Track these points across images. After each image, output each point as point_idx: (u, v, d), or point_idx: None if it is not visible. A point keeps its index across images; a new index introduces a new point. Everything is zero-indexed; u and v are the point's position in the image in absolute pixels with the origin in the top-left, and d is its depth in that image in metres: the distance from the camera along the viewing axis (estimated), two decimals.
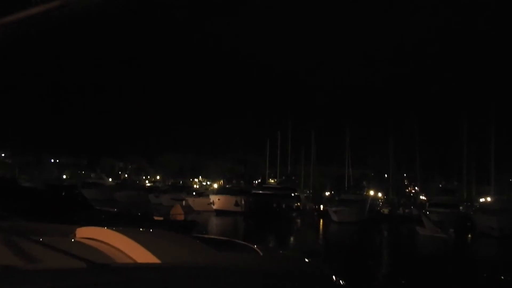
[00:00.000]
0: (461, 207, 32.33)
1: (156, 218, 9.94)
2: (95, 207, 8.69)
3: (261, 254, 1.96)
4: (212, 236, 2.86)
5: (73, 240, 1.73)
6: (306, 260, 2.11)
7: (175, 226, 9.02)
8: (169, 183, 58.92)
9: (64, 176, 59.41)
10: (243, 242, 2.25)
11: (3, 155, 61.38)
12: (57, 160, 66.59)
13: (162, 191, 46.48)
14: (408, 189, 55.84)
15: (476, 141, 39.10)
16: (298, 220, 32.25)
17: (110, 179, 62.60)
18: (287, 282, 1.70)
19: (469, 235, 25.19)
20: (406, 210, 37.97)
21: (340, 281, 1.96)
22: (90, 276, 1.10)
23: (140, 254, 1.46)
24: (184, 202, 28.78)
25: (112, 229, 1.72)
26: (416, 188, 53.04)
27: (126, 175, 72.09)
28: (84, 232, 1.79)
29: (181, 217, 12.89)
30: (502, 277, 11.78)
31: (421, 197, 46.36)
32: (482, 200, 37.23)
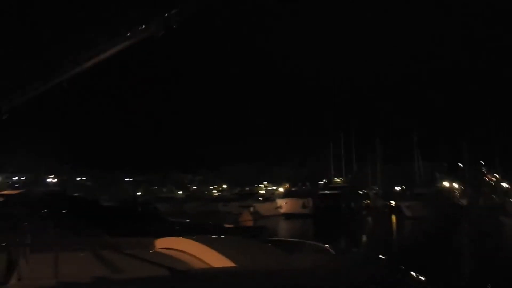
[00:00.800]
0: None
1: (226, 225, 10.17)
2: (169, 219, 9.08)
3: (333, 253, 1.95)
4: (283, 239, 2.88)
5: (153, 250, 1.85)
6: (379, 257, 2.06)
7: (245, 232, 9.17)
8: (236, 191, 60.01)
9: (139, 193, 62.96)
10: (314, 243, 2.24)
11: (83, 178, 66.61)
12: (132, 179, 70.90)
13: (230, 199, 47.42)
14: (487, 177, 51.95)
15: None
16: (369, 218, 31.24)
17: (181, 192, 65.19)
18: (361, 280, 1.67)
19: None
20: (487, 200, 35.26)
21: (419, 277, 1.88)
22: (174, 283, 1.17)
23: (216, 260, 1.52)
24: (252, 209, 29.16)
25: (188, 238, 1.81)
26: (496, 175, 49.05)
27: (194, 187, 74.65)
28: (162, 243, 1.90)
29: (250, 223, 13.08)
30: None
31: (503, 184, 42.87)
32: None
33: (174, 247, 1.78)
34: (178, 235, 1.92)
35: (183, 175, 76.45)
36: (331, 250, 1.97)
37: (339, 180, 50.90)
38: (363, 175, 48.85)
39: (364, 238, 20.35)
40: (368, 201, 37.85)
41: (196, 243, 1.71)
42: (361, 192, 38.99)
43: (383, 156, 46.62)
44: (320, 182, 58.17)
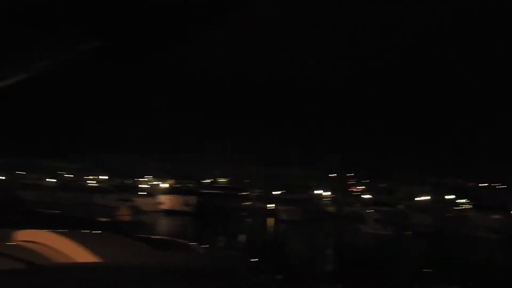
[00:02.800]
0: (400, 206, 34.36)
1: (100, 219, 9.72)
2: (36, 210, 8.34)
3: (200, 252, 2.12)
4: (155, 236, 2.97)
5: (12, 243, 1.75)
6: (238, 255, 2.31)
7: (120, 228, 8.89)
8: (115, 183, 56.92)
9: (1, 178, 55.50)
10: (184, 241, 2.39)
11: None
12: None
13: (108, 191, 44.77)
14: (354, 188, 58.12)
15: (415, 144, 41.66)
16: (248, 220, 32.59)
17: (53, 180, 59.28)
18: (220, 277, 1.88)
19: (406, 232, 26.87)
20: (351, 209, 39.63)
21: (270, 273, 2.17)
22: (30, 277, 1.15)
23: (81, 255, 1.54)
24: (131, 203, 28.07)
25: (52, 231, 1.75)
26: (360, 187, 55.52)
27: (68, 175, 68.61)
28: (23, 235, 1.80)
29: (127, 218, 12.67)
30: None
31: (365, 196, 48.56)
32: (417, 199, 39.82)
33: (35, 240, 1.70)
34: (44, 228, 1.86)
35: (56, 161, 69.64)
36: (197, 248, 2.14)
37: (224, 180, 51.95)
38: (247, 176, 50.69)
39: (240, 237, 21.19)
40: (249, 203, 39.38)
41: (60, 236, 1.67)
42: (244, 193, 40.37)
43: (267, 159, 49.05)
44: (206, 181, 58.61)
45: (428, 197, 37.39)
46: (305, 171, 52.77)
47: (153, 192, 43.70)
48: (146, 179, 70.57)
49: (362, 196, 49.32)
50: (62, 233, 1.72)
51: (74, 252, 1.54)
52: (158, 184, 60.61)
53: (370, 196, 46.05)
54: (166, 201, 33.59)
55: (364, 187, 54.45)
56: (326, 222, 31.14)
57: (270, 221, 31.90)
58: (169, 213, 31.62)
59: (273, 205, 37.90)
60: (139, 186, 59.12)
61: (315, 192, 47.47)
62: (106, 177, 66.31)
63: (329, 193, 49.13)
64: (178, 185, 49.98)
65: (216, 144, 52.57)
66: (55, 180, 59.42)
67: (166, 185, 55.67)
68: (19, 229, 1.88)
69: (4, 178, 54.76)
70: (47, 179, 58.45)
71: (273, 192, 49.97)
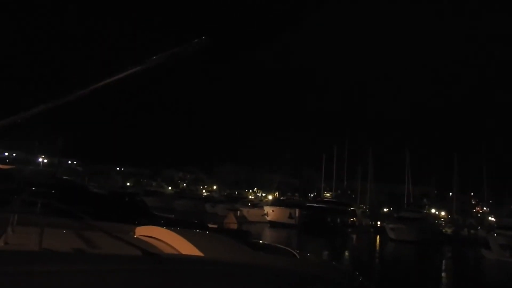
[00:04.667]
0: None
1: (210, 226, 10.25)
2: (154, 213, 9.17)
3: (298, 257, 2.08)
4: (259, 241, 3.02)
5: (132, 235, 1.99)
6: (341, 267, 2.20)
7: (227, 235, 9.25)
8: (225, 194, 60.05)
9: (128, 184, 62.78)
10: (285, 247, 2.38)
11: (74, 163, 66.34)
12: (122, 169, 70.65)
13: (218, 201, 47.44)
14: (475, 209, 52.37)
15: None
16: (353, 236, 31.39)
17: (170, 188, 65.08)
18: (318, 284, 1.81)
19: None
20: (472, 231, 35.55)
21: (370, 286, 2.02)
22: (143, 263, 1.31)
23: (187, 249, 1.67)
24: (238, 212, 29.23)
25: (166, 228, 1.95)
26: (484, 208, 49.50)
27: (184, 185, 74.56)
28: (142, 230, 2.04)
29: (234, 226, 13.15)
30: None
31: (489, 218, 43.20)
32: None
33: (151, 235, 1.92)
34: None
35: (174, 171, 76.34)
36: (296, 254, 2.11)
37: (328, 195, 51.09)
38: (353, 191, 49.11)
39: (345, 253, 20.48)
40: (355, 219, 38.02)
41: (171, 232, 1.85)
42: (349, 209, 39.15)
43: (375, 175, 46.92)
44: (310, 194, 58.39)
45: None
46: (418, 188, 49.12)
47: (259, 203, 45.04)
48: (253, 191, 73.20)
49: (485, 217, 43.95)
50: (173, 230, 1.88)
51: (182, 246, 1.68)
52: (265, 196, 62.22)
53: (494, 218, 40.82)
54: (271, 213, 34.21)
55: (487, 208, 48.38)
56: (443, 245, 28.36)
57: (378, 239, 30.23)
58: (273, 224, 32.11)
59: (381, 222, 35.99)
60: (247, 197, 61.57)
61: (431, 210, 43.74)
62: (217, 187, 70.53)
63: (446, 212, 44.88)
64: (283, 198, 50.66)
65: (321, 159, 52.07)
66: (174, 189, 65.22)
67: (272, 197, 56.82)
68: (139, 226, 2.11)
69: (129, 184, 61.90)
70: (167, 187, 64.42)
71: (381, 209, 47.55)
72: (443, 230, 36.56)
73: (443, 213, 45.65)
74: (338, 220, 34.54)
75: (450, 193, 48.54)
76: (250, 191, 73.13)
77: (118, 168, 70.66)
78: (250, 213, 34.98)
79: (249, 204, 43.70)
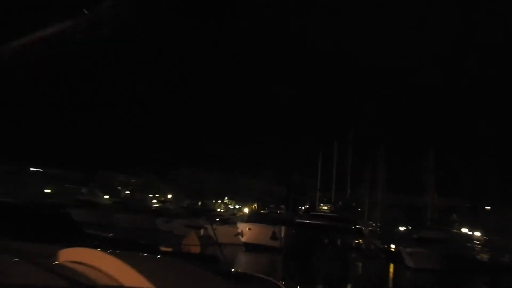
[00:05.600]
0: None
1: (163, 248, 10.19)
2: (85, 231, 9.04)
3: None
4: (230, 269, 3.01)
5: (55, 261, 1.95)
6: None
7: (187, 260, 9.21)
8: (184, 205, 59.85)
9: (48, 191, 61.70)
10: (266, 277, 2.38)
11: None
12: (40, 170, 69.19)
13: (174, 215, 47.28)
14: None
15: None
16: (359, 264, 31.87)
17: (107, 197, 64.27)
18: None
19: None
20: None
21: None
22: None
23: (130, 278, 1.63)
24: (202, 231, 29.15)
25: (101, 250, 1.91)
26: None
27: (127, 193, 73.78)
28: (69, 254, 1.99)
29: (196, 250, 13.13)
30: None
31: None
32: None
33: (81, 260, 1.87)
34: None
35: (113, 174, 75.32)
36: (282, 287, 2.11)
37: (326, 208, 51.60)
38: (359, 204, 49.72)
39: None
40: (361, 241, 38.56)
41: (110, 257, 1.80)
42: (353, 228, 39.66)
43: (388, 182, 47.51)
44: (301, 207, 58.78)
45: None
46: (445, 200, 50.12)
47: (231, 218, 45.11)
48: (223, 202, 73.19)
49: None
50: (111, 253, 1.84)
51: (123, 274, 1.65)
52: (239, 208, 62.36)
53: None
54: (247, 231, 34.32)
55: None
56: (478, 275, 29.05)
57: (391, 268, 30.77)
58: (250, 247, 32.24)
59: (396, 245, 36.59)
60: (215, 210, 61.50)
61: (461, 230, 44.82)
62: (172, 196, 70.18)
63: (482, 232, 46.06)
64: (265, 211, 50.87)
65: (316, 160, 52.55)
66: (112, 198, 64.38)
67: (249, 210, 57.01)
68: (63, 247, 2.06)
69: (50, 191, 60.80)
70: (102, 195, 63.55)
71: (396, 227, 48.37)
72: (478, 256, 37.48)
73: (477, 234, 46.80)
74: (339, 242, 34.94)
75: (488, 207, 49.77)
76: (219, 201, 73.13)
77: (34, 169, 69.27)
78: (218, 232, 34.81)
79: (218, 219, 43.64)
